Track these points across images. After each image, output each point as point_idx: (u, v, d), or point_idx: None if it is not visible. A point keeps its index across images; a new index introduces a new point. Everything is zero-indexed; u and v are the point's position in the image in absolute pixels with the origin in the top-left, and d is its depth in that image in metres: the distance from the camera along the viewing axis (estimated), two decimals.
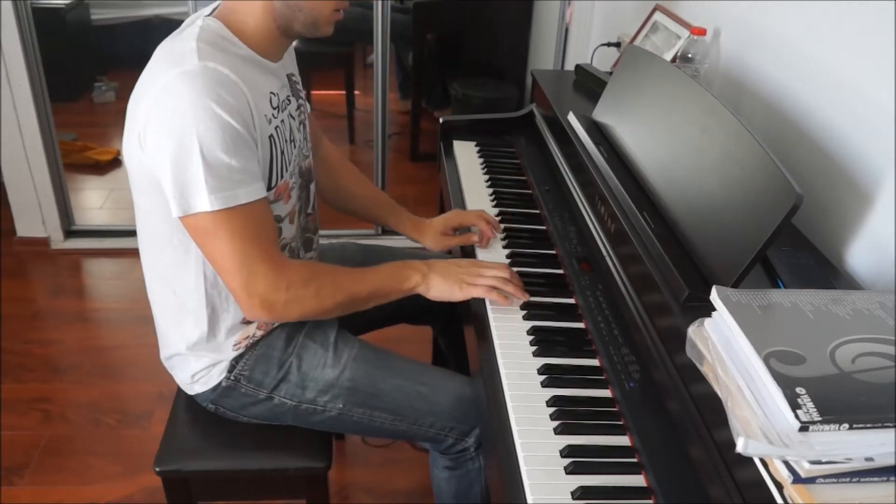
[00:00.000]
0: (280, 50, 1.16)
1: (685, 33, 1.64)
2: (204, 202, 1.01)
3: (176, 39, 1.08)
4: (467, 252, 1.36)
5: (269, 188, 1.12)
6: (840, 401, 0.66)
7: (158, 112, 1.01)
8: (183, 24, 1.13)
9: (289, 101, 1.20)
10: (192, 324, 1.19)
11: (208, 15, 1.11)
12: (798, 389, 0.66)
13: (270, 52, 1.14)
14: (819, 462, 0.64)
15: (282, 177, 1.15)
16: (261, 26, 1.10)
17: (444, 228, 1.42)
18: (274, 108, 1.13)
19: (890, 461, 0.65)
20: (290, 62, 1.25)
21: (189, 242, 1.10)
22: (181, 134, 0.99)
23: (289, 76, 1.23)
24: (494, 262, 1.23)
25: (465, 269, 1.19)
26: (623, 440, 0.94)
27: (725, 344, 0.76)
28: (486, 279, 1.17)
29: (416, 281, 1.18)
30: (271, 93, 1.13)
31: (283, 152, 1.15)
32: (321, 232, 1.39)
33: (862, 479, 0.66)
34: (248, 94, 1.05)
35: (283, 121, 1.16)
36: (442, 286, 1.18)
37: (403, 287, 1.18)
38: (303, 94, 1.30)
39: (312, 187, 1.30)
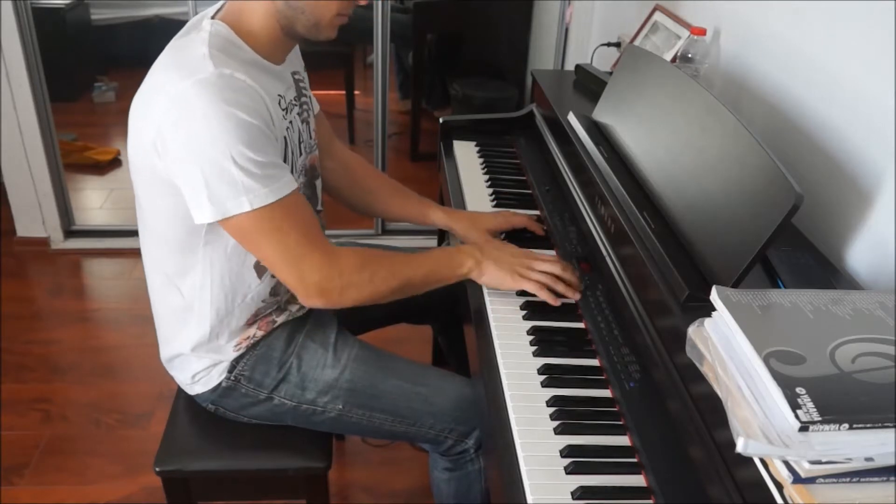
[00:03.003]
0: (284, 52, 1.16)
1: (685, 33, 1.64)
2: (242, 203, 1.01)
3: (184, 44, 1.07)
4: None
5: None
6: (840, 401, 0.66)
7: (178, 121, 1.00)
8: (187, 26, 1.12)
9: (295, 101, 1.20)
10: (195, 325, 1.19)
11: (213, 16, 1.10)
12: (798, 389, 0.66)
13: (275, 54, 1.13)
14: (819, 462, 0.64)
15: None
16: (265, 28, 1.09)
17: (492, 230, 1.36)
18: (283, 111, 1.13)
19: (890, 461, 0.65)
20: (295, 60, 1.25)
21: (197, 244, 1.10)
22: (207, 142, 0.98)
23: (293, 75, 1.22)
24: (548, 256, 1.23)
25: (519, 259, 1.19)
26: (623, 440, 0.94)
27: (725, 344, 0.76)
28: (538, 274, 1.16)
29: (469, 266, 1.17)
30: (279, 95, 1.13)
31: (292, 153, 1.15)
32: None
33: (862, 479, 0.66)
34: (265, 96, 1.05)
35: (291, 122, 1.16)
36: (496, 273, 1.17)
37: (457, 273, 1.18)
38: (308, 91, 1.29)
39: (318, 183, 1.30)
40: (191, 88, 0.99)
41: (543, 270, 1.17)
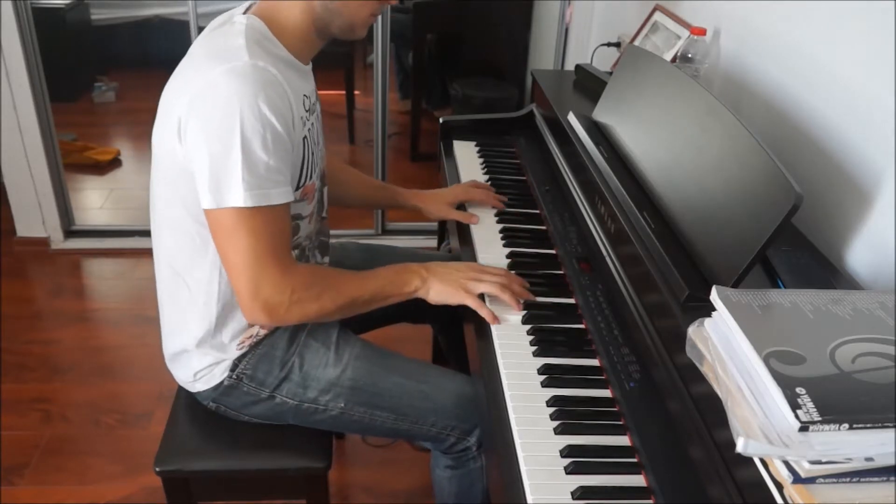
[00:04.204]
0: (313, 51, 1.17)
1: (685, 33, 1.64)
2: (238, 198, 1.01)
3: (219, 35, 1.08)
4: (468, 251, 1.36)
5: (297, 188, 1.13)
6: (840, 401, 0.66)
7: (203, 105, 1.01)
8: (217, 22, 1.13)
9: (316, 105, 1.21)
10: (200, 319, 1.19)
11: (244, 13, 1.11)
12: (798, 389, 0.66)
13: (304, 53, 1.15)
14: (819, 462, 0.64)
15: (310, 178, 1.16)
16: (299, 28, 1.11)
17: (452, 201, 1.48)
18: (307, 111, 1.14)
19: (890, 461, 0.65)
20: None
21: (208, 237, 1.10)
22: (225, 127, 0.99)
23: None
24: (495, 268, 1.23)
25: (465, 273, 1.19)
26: (623, 440, 0.94)
27: (725, 344, 0.76)
28: (483, 285, 1.17)
29: (415, 285, 1.18)
30: (304, 95, 1.14)
31: (313, 153, 1.16)
32: None
33: (862, 479, 0.66)
34: (291, 95, 1.06)
35: (313, 123, 1.17)
36: (441, 289, 1.18)
37: (404, 291, 1.19)
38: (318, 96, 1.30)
39: (325, 190, 1.31)
40: (222, 76, 1.00)
41: (490, 280, 1.17)
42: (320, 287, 1.13)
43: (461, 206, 1.49)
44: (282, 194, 1.05)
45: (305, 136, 1.13)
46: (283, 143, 1.04)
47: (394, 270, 1.20)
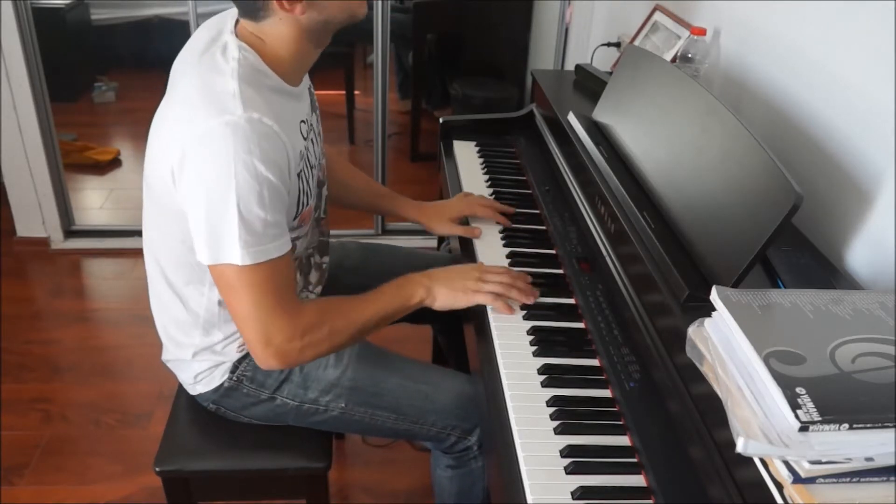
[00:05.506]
0: (308, 65, 1.14)
1: (685, 33, 1.64)
2: (235, 255, 1.00)
3: (211, 68, 1.02)
4: (468, 251, 1.36)
5: (294, 217, 1.12)
6: (840, 401, 0.66)
7: (198, 159, 0.99)
8: (208, 37, 1.07)
9: (313, 123, 1.20)
10: (201, 334, 1.19)
11: (234, 28, 1.06)
12: (798, 389, 0.66)
13: (297, 74, 1.12)
14: (819, 462, 0.64)
15: (307, 204, 1.15)
16: (293, 47, 1.06)
17: (455, 217, 1.44)
18: (305, 139, 1.12)
19: (890, 461, 0.65)
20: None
21: None
22: (220, 186, 0.97)
23: (308, 89, 1.21)
24: (497, 267, 1.22)
25: (468, 274, 1.19)
26: (623, 440, 0.94)
27: (725, 344, 0.76)
28: (490, 285, 1.16)
29: (420, 296, 1.17)
30: (301, 121, 1.12)
31: (308, 181, 1.14)
32: None
33: (862, 479, 0.66)
34: (287, 141, 1.03)
35: (308, 148, 1.15)
36: (447, 296, 1.17)
37: (409, 304, 1.18)
38: (316, 102, 1.29)
39: (324, 191, 1.30)
40: (217, 129, 0.97)
41: (495, 280, 1.17)
42: (329, 324, 1.11)
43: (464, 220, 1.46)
44: (280, 247, 1.04)
45: (302, 170, 1.10)
46: (280, 195, 1.03)
47: (395, 286, 1.18)
